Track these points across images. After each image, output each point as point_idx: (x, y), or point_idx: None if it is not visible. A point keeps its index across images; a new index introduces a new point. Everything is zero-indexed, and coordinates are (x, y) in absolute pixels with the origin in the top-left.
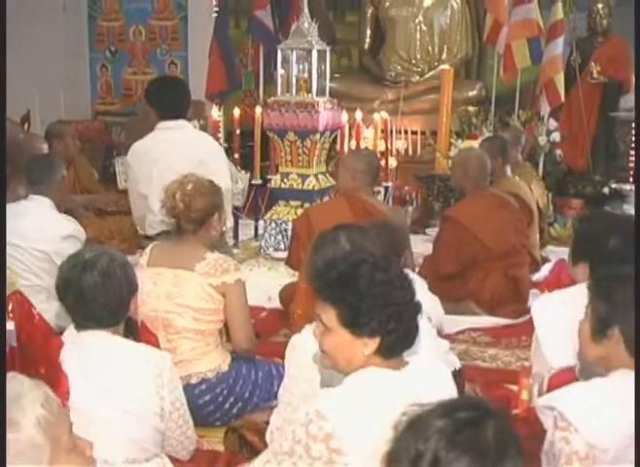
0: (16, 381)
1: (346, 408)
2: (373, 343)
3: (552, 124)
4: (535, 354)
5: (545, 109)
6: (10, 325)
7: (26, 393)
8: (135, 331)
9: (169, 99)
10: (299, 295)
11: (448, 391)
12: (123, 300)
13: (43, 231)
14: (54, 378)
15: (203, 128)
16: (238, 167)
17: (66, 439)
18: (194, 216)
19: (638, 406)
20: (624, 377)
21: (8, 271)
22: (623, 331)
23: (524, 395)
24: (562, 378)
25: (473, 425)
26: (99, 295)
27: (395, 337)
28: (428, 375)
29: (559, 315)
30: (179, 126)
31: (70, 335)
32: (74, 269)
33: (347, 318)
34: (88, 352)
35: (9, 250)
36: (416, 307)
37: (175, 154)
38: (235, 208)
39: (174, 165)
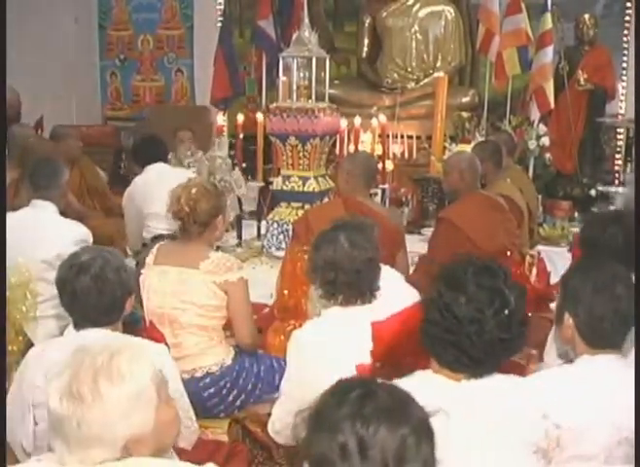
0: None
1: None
2: None
3: (542, 128)
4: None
5: (534, 114)
6: None
7: (144, 352)
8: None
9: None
10: (284, 278)
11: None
12: (116, 301)
13: (55, 236)
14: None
15: (208, 134)
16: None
17: (165, 392)
18: (199, 218)
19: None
20: (586, 363)
21: (23, 270)
22: (574, 318)
23: None
24: None
25: (369, 396)
26: (91, 297)
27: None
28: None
29: None
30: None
31: (69, 333)
32: (69, 271)
33: None
34: None
35: (21, 261)
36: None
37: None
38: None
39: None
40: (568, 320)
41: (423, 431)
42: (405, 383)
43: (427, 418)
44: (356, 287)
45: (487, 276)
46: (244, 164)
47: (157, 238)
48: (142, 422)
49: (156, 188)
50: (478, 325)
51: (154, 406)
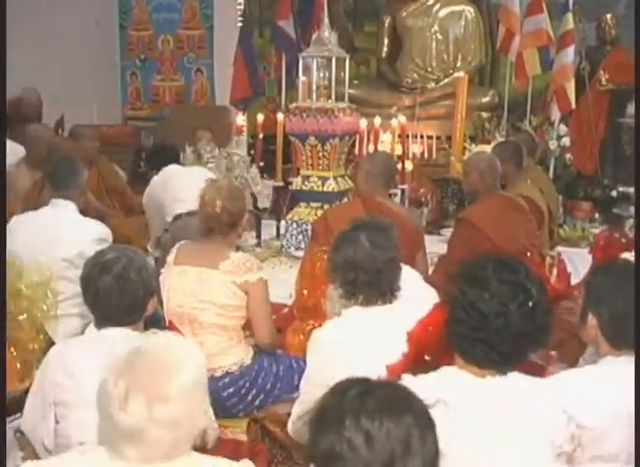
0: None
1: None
2: None
3: (563, 129)
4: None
5: (555, 115)
6: None
7: (184, 340)
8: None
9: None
10: (304, 278)
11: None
12: (138, 301)
13: (75, 235)
14: None
15: (227, 133)
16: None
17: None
18: (228, 219)
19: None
20: (609, 364)
21: (44, 268)
22: (597, 318)
23: None
24: None
25: (368, 392)
26: (113, 296)
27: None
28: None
29: None
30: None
31: (90, 332)
32: (93, 270)
33: None
34: (108, 348)
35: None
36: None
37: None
38: (257, 209)
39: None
40: (592, 320)
41: (425, 421)
42: (431, 379)
43: (427, 409)
44: (377, 287)
45: (507, 271)
46: (261, 163)
47: (176, 219)
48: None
49: (173, 180)
50: (503, 319)
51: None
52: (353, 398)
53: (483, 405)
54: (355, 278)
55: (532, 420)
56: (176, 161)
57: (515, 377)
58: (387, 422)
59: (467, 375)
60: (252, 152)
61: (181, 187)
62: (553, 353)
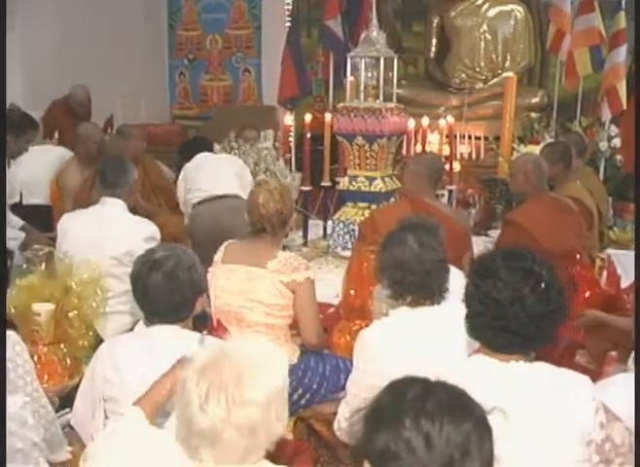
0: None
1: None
2: None
3: (613, 130)
4: None
5: (606, 115)
6: None
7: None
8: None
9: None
10: (351, 278)
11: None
12: (186, 300)
13: (124, 233)
14: None
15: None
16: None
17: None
18: (280, 220)
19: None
20: None
21: (93, 266)
22: None
23: None
24: None
25: (429, 393)
26: (162, 295)
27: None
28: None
29: None
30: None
31: (139, 329)
32: (143, 267)
33: None
34: (156, 345)
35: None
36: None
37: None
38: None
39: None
40: None
41: (484, 427)
42: (462, 367)
43: (485, 415)
44: (425, 288)
45: (516, 259)
46: (287, 155)
47: (198, 204)
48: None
49: (204, 163)
50: (519, 304)
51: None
52: (414, 398)
53: (512, 391)
54: (403, 279)
55: (559, 404)
56: (210, 152)
57: (542, 365)
58: (447, 426)
59: (494, 361)
60: (299, 155)
61: (207, 172)
62: (613, 354)
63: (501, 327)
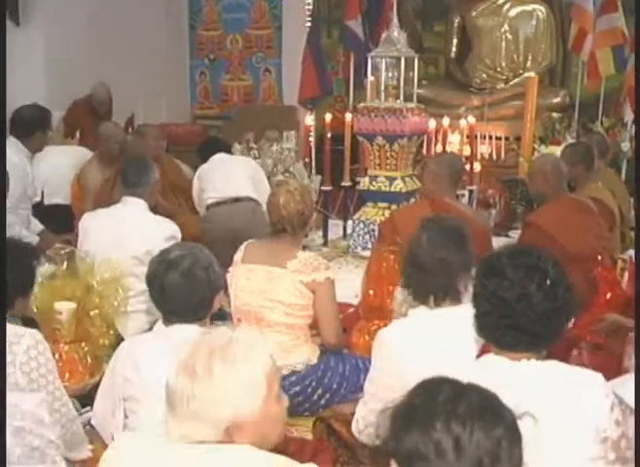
0: (253, 333)
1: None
2: None
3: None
4: None
5: (628, 116)
6: None
7: (261, 344)
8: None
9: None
10: (370, 278)
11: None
12: (203, 299)
13: (145, 233)
14: None
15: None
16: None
17: (277, 388)
18: (301, 220)
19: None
20: None
21: (115, 265)
22: None
23: None
24: None
25: (460, 396)
26: (178, 294)
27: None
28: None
29: None
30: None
31: (159, 328)
32: (159, 266)
33: None
34: (175, 344)
35: (112, 256)
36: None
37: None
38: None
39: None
40: None
41: (515, 433)
42: (474, 367)
43: (516, 421)
44: (446, 289)
45: (521, 257)
46: (307, 159)
47: (211, 206)
48: (247, 410)
49: (218, 164)
50: (526, 301)
51: (262, 396)
52: (445, 400)
53: (524, 389)
54: (424, 279)
55: (573, 402)
56: (227, 153)
57: (554, 363)
58: (478, 431)
59: (505, 360)
60: (319, 155)
61: (221, 173)
62: (631, 334)
63: (509, 325)
